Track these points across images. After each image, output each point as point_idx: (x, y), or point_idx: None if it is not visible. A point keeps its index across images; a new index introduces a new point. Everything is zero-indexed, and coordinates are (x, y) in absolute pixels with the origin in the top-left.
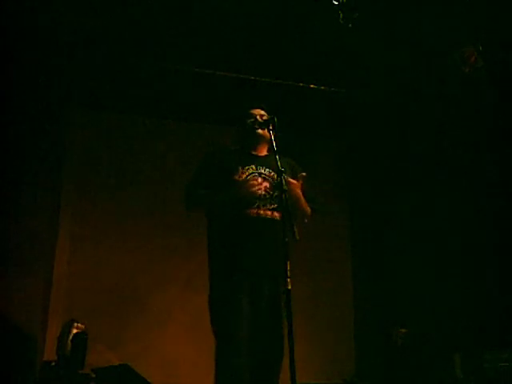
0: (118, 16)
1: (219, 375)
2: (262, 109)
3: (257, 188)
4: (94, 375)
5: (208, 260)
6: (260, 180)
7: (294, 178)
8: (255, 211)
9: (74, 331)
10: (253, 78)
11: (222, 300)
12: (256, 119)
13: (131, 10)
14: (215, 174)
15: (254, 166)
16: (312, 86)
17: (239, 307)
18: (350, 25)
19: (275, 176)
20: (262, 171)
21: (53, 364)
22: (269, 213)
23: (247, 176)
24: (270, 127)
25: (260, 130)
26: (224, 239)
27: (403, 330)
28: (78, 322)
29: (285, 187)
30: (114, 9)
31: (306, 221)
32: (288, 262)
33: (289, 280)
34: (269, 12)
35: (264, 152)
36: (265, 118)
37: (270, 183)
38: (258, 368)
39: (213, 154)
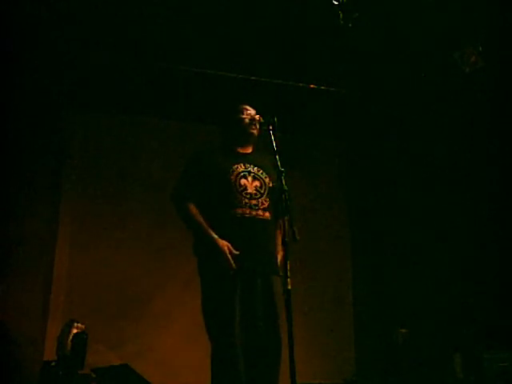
0: (117, 17)
1: (215, 376)
2: (251, 106)
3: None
4: (94, 375)
5: (198, 261)
6: (250, 179)
7: (275, 176)
8: (247, 211)
9: (74, 331)
10: (253, 78)
11: (215, 301)
12: (253, 118)
13: (131, 10)
14: (203, 175)
15: (242, 165)
16: (312, 86)
17: (233, 307)
18: (350, 25)
19: (264, 174)
20: (251, 170)
21: (53, 364)
22: (260, 213)
23: (237, 176)
24: (270, 127)
25: (255, 130)
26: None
27: (403, 330)
28: (78, 322)
29: (285, 187)
30: (113, 9)
31: None
32: (288, 262)
33: (289, 280)
34: (269, 12)
35: (250, 150)
36: (257, 116)
37: (260, 182)
38: (256, 368)
39: (199, 154)
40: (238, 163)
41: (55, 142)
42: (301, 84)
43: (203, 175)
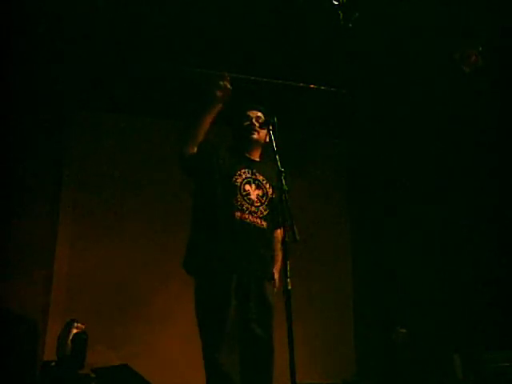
0: (117, 17)
1: (208, 376)
2: (260, 109)
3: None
4: (93, 375)
5: (189, 262)
6: (253, 187)
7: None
8: (245, 216)
9: (74, 331)
10: (253, 77)
11: (208, 305)
12: (252, 122)
13: (131, 10)
14: (211, 162)
15: (249, 171)
16: (312, 86)
17: (227, 312)
18: (350, 25)
19: (267, 184)
20: (256, 177)
21: (53, 364)
22: (258, 220)
23: (243, 180)
24: (270, 128)
25: (255, 135)
26: (209, 240)
27: (403, 330)
28: (77, 322)
29: (285, 187)
30: (113, 9)
31: None
32: (288, 262)
33: (289, 280)
34: (269, 12)
35: (257, 156)
36: (261, 120)
37: (263, 191)
38: (250, 371)
39: (212, 145)
40: (245, 168)
41: (55, 142)
42: (301, 84)
43: (210, 162)
